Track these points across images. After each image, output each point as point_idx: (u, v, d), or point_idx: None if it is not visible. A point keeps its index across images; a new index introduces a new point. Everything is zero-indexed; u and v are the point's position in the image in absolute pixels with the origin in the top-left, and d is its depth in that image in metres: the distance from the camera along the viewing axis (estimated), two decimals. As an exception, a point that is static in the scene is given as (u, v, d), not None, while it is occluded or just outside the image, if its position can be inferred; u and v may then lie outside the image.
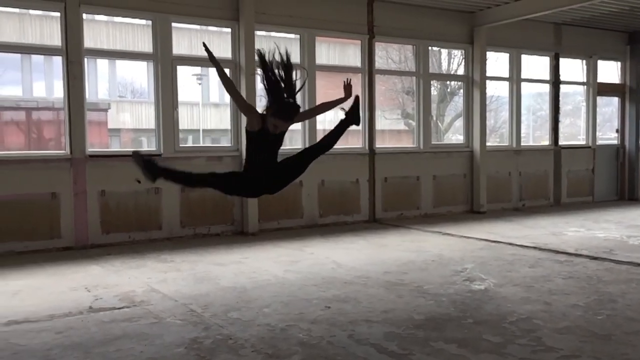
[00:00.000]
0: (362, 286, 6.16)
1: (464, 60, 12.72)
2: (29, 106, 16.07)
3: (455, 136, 17.48)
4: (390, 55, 14.70)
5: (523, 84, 13.17)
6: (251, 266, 7.20)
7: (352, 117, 5.16)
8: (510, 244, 8.58)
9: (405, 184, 11.50)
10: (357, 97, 5.23)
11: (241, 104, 4.90)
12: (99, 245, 8.55)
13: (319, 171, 10.43)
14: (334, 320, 4.97)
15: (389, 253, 8.02)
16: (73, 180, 8.44)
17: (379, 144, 11.39)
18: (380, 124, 13.27)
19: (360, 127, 11.22)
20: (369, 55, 10.98)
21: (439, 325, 4.82)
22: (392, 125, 17.23)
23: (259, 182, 4.81)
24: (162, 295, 5.85)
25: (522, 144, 13.24)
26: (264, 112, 4.80)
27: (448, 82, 17.39)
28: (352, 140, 11.50)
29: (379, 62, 11.96)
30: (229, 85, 4.87)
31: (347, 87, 5.17)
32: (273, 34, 11.94)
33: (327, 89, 15.24)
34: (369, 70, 11.02)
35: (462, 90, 12.86)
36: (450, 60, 17.14)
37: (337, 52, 15.50)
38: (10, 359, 4.18)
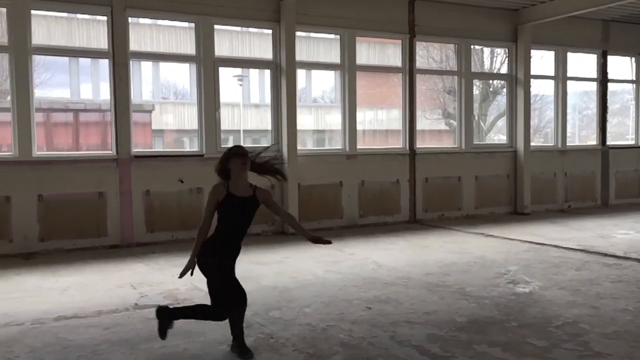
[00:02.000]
0: (403, 287, 6.12)
1: (507, 59, 12.49)
2: (77, 108, 16.55)
3: (497, 136, 17.18)
4: (431, 54, 14.54)
5: (569, 83, 12.85)
6: (292, 266, 7.24)
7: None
8: (555, 246, 8.38)
9: (447, 185, 11.37)
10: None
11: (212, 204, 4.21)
12: (143, 243, 8.74)
13: (359, 172, 10.43)
14: (375, 321, 4.96)
15: (430, 254, 7.94)
16: (119, 180, 8.65)
17: (420, 144, 11.29)
18: (421, 124, 13.13)
19: (400, 127, 11.18)
20: (409, 55, 10.90)
21: (482, 328, 4.75)
22: (432, 125, 17.05)
23: (230, 244, 4.26)
24: (205, 294, 5.88)
25: (567, 143, 12.93)
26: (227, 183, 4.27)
27: (490, 81, 17.10)
28: (392, 140, 11.42)
29: (420, 62, 11.86)
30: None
31: (319, 240, 4.73)
32: (313, 34, 12.01)
33: (367, 89, 15.22)
34: (410, 69, 10.93)
35: (505, 89, 12.64)
36: (493, 58, 16.86)
37: (377, 52, 15.44)
38: (60, 354, 4.31)
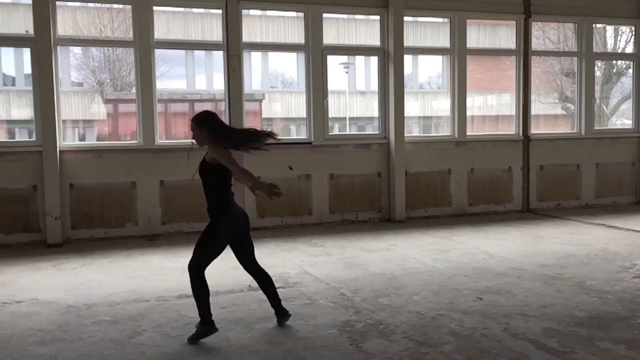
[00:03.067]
0: (516, 278, 5.90)
1: (633, 37, 11.55)
2: (193, 98, 17.41)
3: (621, 120, 15.99)
4: (548, 34, 13.76)
5: None
6: (399, 253, 7.21)
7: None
8: (688, 239, 7.71)
9: (564, 173, 10.78)
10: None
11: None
12: (255, 228, 9.00)
13: (469, 159, 10.16)
14: (487, 312, 4.83)
15: (545, 245, 7.59)
16: (232, 166, 9.00)
17: (534, 129, 10.77)
18: (535, 108, 12.49)
19: (512, 113, 10.72)
20: (524, 36, 10.41)
21: (605, 324, 4.48)
22: (548, 110, 16.17)
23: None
24: (314, 278, 6.08)
25: None
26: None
27: (614, 62, 15.91)
28: (503, 126, 10.98)
29: (535, 43, 11.26)
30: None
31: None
32: (421, 19, 11.75)
33: (475, 73, 14.70)
34: (525, 51, 10.43)
35: (630, 70, 11.71)
36: (617, 37, 15.65)
37: (487, 34, 14.85)
38: (183, 329, 4.61)
